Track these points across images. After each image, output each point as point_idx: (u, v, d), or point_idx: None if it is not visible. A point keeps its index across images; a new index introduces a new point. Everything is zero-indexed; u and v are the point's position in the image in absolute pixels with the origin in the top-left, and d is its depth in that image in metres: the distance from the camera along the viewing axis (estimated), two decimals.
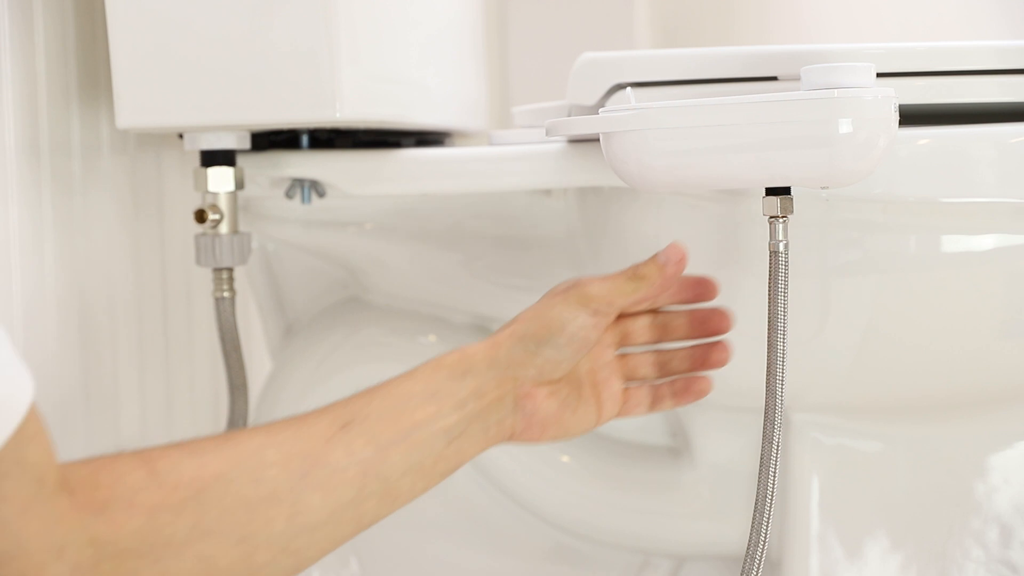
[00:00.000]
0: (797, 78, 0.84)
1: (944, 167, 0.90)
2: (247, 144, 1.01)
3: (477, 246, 1.10)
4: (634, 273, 0.82)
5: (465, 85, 1.23)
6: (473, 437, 0.78)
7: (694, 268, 0.99)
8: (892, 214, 0.92)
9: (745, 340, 0.97)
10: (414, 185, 1.04)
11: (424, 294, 1.12)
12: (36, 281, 0.97)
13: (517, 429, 0.80)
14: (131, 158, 1.09)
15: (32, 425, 0.61)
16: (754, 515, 0.85)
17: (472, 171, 1.04)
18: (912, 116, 0.90)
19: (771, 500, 0.85)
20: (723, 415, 1.07)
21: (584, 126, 0.90)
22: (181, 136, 1.02)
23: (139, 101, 0.96)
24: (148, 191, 1.11)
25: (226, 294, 1.03)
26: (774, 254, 0.85)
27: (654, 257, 0.82)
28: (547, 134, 0.94)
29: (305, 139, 1.07)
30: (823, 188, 0.89)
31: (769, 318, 0.85)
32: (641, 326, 0.85)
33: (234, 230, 1.01)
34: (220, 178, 1.01)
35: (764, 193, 0.85)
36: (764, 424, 0.86)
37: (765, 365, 0.85)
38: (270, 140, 1.06)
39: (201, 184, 1.01)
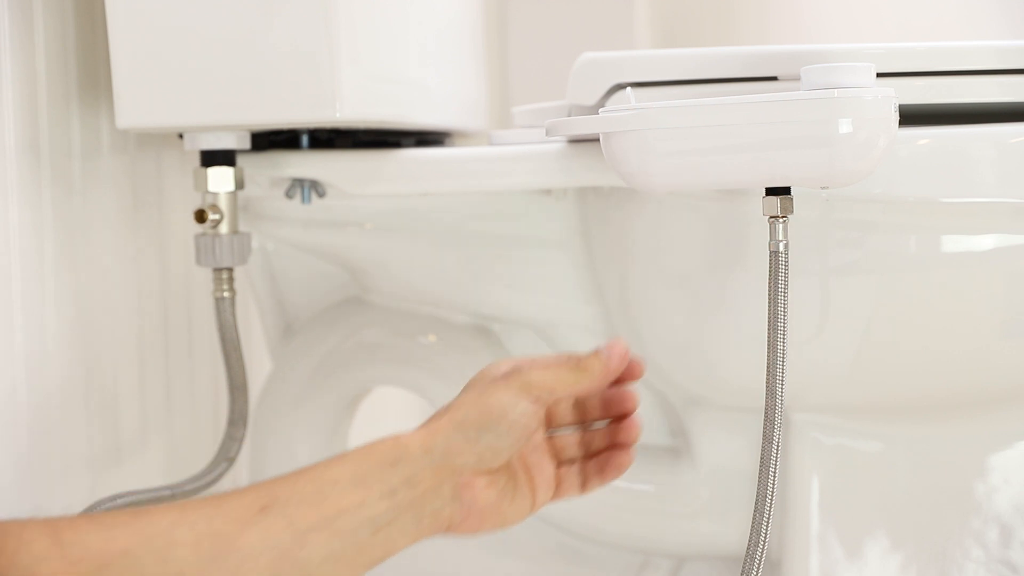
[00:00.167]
0: (797, 78, 0.84)
1: (944, 167, 0.90)
2: (247, 144, 1.01)
3: (477, 246, 1.10)
4: (577, 364, 0.79)
5: (465, 85, 1.23)
6: (404, 527, 0.75)
7: (694, 268, 0.99)
8: (892, 214, 0.92)
9: (745, 340, 0.97)
10: (414, 185, 1.04)
11: (424, 294, 1.12)
12: (36, 281, 0.97)
13: (455, 520, 0.78)
14: (131, 158, 1.09)
15: None
16: (754, 515, 0.85)
17: (472, 171, 1.04)
18: (912, 116, 0.90)
19: (771, 500, 0.85)
20: (723, 415, 1.07)
21: (584, 126, 0.90)
22: (181, 136, 1.02)
23: (139, 101, 0.96)
24: (148, 191, 1.11)
25: (226, 294, 1.03)
26: (774, 254, 0.85)
27: (597, 351, 0.80)
28: (547, 134, 0.94)
29: (305, 139, 1.07)
30: (823, 188, 0.89)
31: (769, 318, 0.85)
32: (564, 408, 0.83)
33: (234, 230, 1.01)
34: (220, 178, 1.01)
35: (764, 193, 0.85)
36: (764, 424, 0.86)
37: (765, 365, 0.85)
38: (270, 140, 1.06)
39: (201, 184, 1.01)
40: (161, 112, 0.96)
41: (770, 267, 0.85)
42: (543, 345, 1.14)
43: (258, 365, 1.26)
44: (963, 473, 1.03)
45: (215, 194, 1.01)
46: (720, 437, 1.08)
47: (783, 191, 0.85)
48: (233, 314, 1.03)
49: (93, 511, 0.96)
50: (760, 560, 0.85)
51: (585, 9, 1.81)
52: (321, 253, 1.13)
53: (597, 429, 0.85)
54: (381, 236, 1.10)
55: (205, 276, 1.18)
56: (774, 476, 0.85)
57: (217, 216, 1.00)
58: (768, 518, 0.85)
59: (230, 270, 1.03)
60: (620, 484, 1.11)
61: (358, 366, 1.13)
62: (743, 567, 0.86)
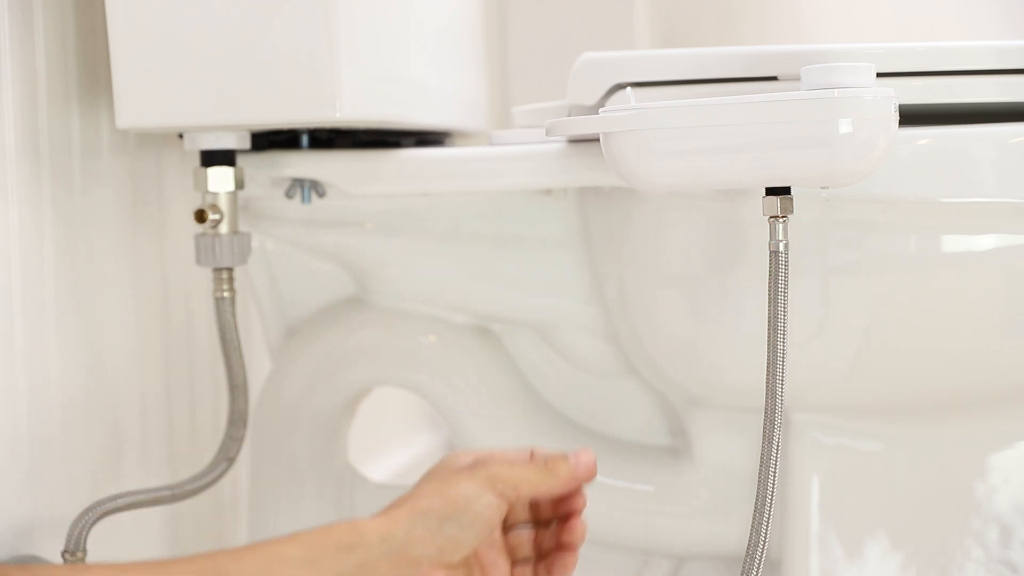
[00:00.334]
0: (797, 78, 0.84)
1: (944, 167, 0.90)
2: (247, 144, 1.01)
3: (477, 246, 1.10)
4: (544, 465, 0.78)
5: (465, 85, 1.23)
6: None
7: (694, 268, 0.99)
8: (892, 214, 0.92)
9: (745, 340, 0.97)
10: (414, 185, 1.04)
11: (424, 294, 1.12)
12: (36, 281, 0.97)
13: None
14: (131, 158, 1.09)
15: None
16: (754, 515, 0.85)
17: (472, 171, 1.04)
18: (912, 116, 0.90)
19: (771, 500, 0.85)
20: (723, 415, 1.07)
21: (584, 126, 0.90)
22: (181, 136, 1.02)
23: (139, 101, 0.96)
24: (148, 191, 1.11)
25: (226, 294, 1.03)
26: (774, 254, 0.85)
27: (566, 455, 0.79)
28: (547, 134, 0.94)
29: (305, 139, 1.07)
30: (823, 188, 0.89)
31: (769, 318, 0.85)
32: (521, 506, 0.81)
33: (234, 230, 1.01)
34: (220, 178, 1.00)
35: (764, 193, 0.85)
36: (764, 424, 0.86)
37: (765, 365, 0.85)
38: (270, 140, 1.06)
39: (201, 184, 1.01)
40: (161, 112, 0.96)
41: (770, 267, 0.85)
42: (543, 345, 1.14)
43: (258, 365, 1.26)
44: (963, 473, 1.03)
45: (215, 194, 1.00)
46: (720, 437, 1.08)
47: (783, 191, 0.85)
48: (233, 314, 1.03)
49: (93, 511, 0.96)
50: (760, 560, 0.85)
51: (585, 9, 1.81)
52: (321, 253, 1.13)
53: (547, 529, 0.82)
54: (381, 236, 1.10)
55: (205, 276, 1.18)
56: (774, 476, 0.85)
57: (217, 216, 1.00)
58: (768, 518, 0.85)
59: (230, 270, 1.03)
60: (620, 484, 1.11)
61: (358, 366, 1.13)
62: (743, 567, 0.86)
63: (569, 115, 1.01)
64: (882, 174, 0.89)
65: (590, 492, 1.11)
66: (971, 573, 1.02)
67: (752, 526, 0.85)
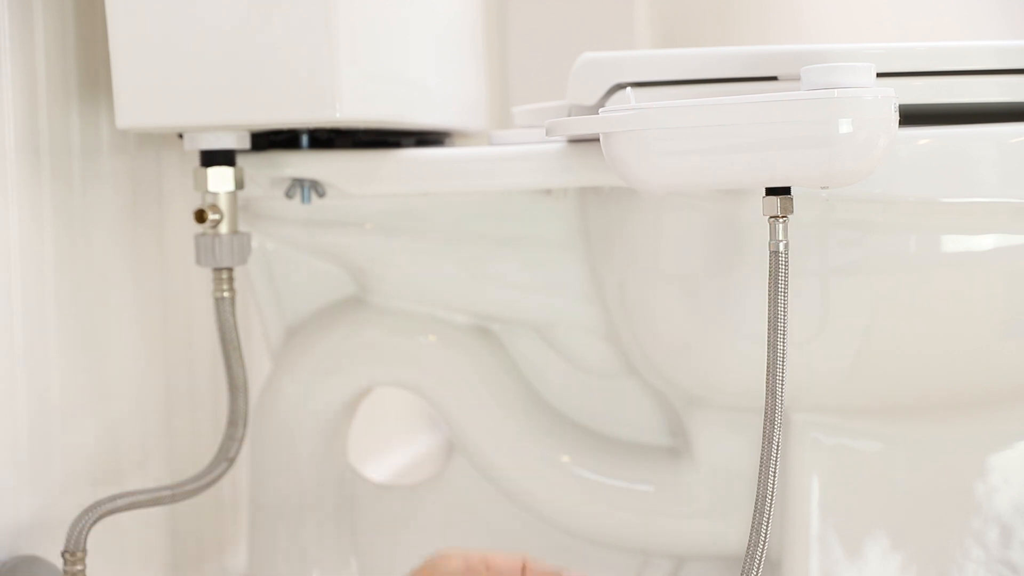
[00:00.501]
0: (797, 78, 0.84)
1: (944, 167, 0.90)
2: (247, 144, 1.01)
3: (477, 246, 1.10)
4: None
5: (465, 85, 1.23)
6: None
7: (694, 268, 0.99)
8: (892, 214, 0.92)
9: (745, 340, 0.97)
10: (414, 185, 1.04)
11: (424, 294, 1.12)
12: (36, 281, 0.97)
13: None
14: (131, 158, 1.09)
15: None
16: (754, 515, 0.85)
17: (472, 171, 1.04)
18: (912, 116, 0.90)
19: (771, 500, 0.85)
20: (723, 415, 1.07)
21: (584, 126, 0.90)
22: (181, 136, 1.02)
23: (139, 101, 0.96)
24: (148, 191, 1.11)
25: (226, 294, 1.03)
26: (774, 254, 0.85)
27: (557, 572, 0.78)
28: (547, 134, 0.94)
29: (305, 139, 1.07)
30: (823, 188, 0.89)
31: (769, 318, 0.85)
32: None
33: (234, 230, 1.01)
34: (220, 178, 1.00)
35: (764, 193, 0.85)
36: (764, 424, 0.86)
37: (765, 365, 0.85)
38: (270, 140, 1.06)
39: (201, 184, 1.01)
40: (161, 112, 0.96)
41: (770, 267, 0.85)
42: (543, 345, 1.14)
43: (258, 365, 1.26)
44: (963, 473, 1.03)
45: (215, 194, 1.00)
46: (720, 437, 1.08)
47: (783, 191, 0.85)
48: (233, 314, 1.03)
49: (93, 511, 0.95)
50: (760, 560, 0.85)
51: (585, 9, 1.81)
52: (321, 253, 1.13)
53: None
54: (381, 236, 1.10)
55: (205, 276, 1.18)
56: (774, 476, 0.85)
57: (217, 216, 1.00)
58: (768, 518, 0.85)
59: (230, 270, 1.03)
60: (620, 484, 1.11)
61: (358, 366, 1.13)
62: (743, 567, 0.86)
63: (569, 115, 1.01)
64: (882, 174, 0.89)
65: (590, 492, 1.11)
66: (971, 573, 1.02)
67: (752, 526, 0.85)
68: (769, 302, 0.85)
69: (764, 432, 0.86)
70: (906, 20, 1.90)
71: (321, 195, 1.06)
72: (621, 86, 0.97)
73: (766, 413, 0.86)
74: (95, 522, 0.96)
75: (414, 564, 1.16)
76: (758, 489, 0.86)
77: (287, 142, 1.06)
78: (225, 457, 1.03)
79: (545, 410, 1.14)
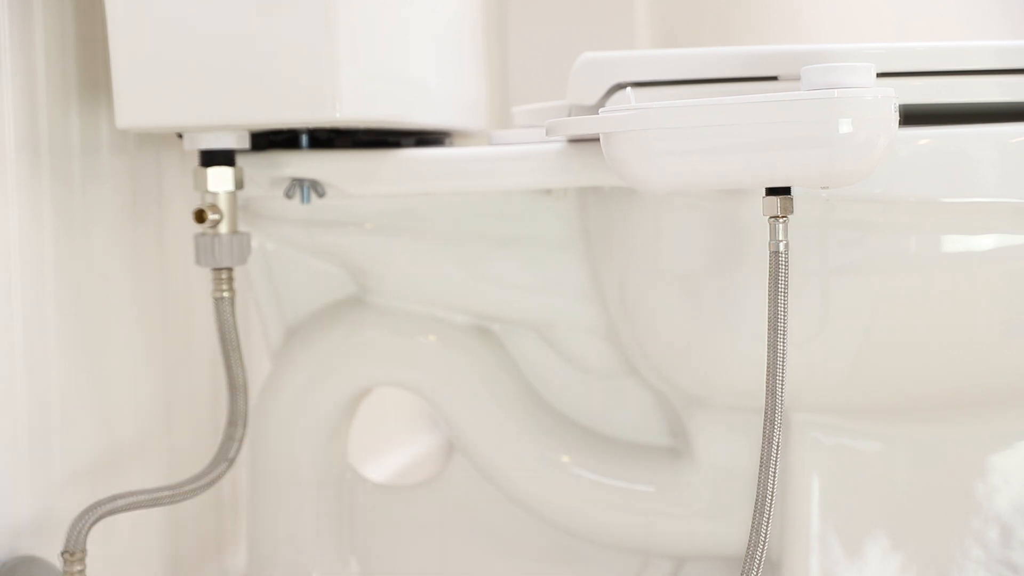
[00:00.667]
0: (797, 78, 0.84)
1: (944, 167, 0.90)
2: (247, 144, 1.01)
3: (477, 246, 1.10)
4: None
5: (465, 85, 1.23)
6: None
7: (695, 268, 0.99)
8: (892, 214, 0.92)
9: (745, 340, 0.97)
10: (414, 185, 1.04)
11: (424, 294, 1.12)
12: (36, 281, 0.97)
13: None
14: (131, 158, 1.09)
15: None
16: (754, 515, 0.85)
17: (472, 171, 1.04)
18: (912, 116, 0.90)
19: (771, 500, 0.85)
20: (723, 415, 1.07)
21: (584, 126, 0.90)
22: (181, 136, 1.02)
23: (139, 101, 0.96)
24: (148, 191, 1.11)
25: (225, 294, 1.03)
26: (774, 254, 0.85)
27: None
28: (547, 134, 0.94)
29: (305, 139, 1.07)
30: (823, 188, 0.89)
31: (769, 318, 0.85)
32: None
33: (233, 230, 1.01)
34: (220, 178, 1.00)
35: (764, 193, 0.85)
36: (764, 424, 0.86)
37: (765, 365, 0.85)
38: (270, 140, 1.05)
39: (201, 184, 1.01)
40: (161, 112, 0.96)
41: (770, 267, 0.85)
42: (543, 345, 1.14)
43: (258, 365, 1.26)
44: (963, 473, 1.03)
45: (215, 194, 1.00)
46: (720, 437, 1.08)
47: (783, 191, 0.85)
48: (232, 314, 1.03)
49: (93, 511, 0.95)
50: (760, 560, 0.85)
51: (585, 9, 1.81)
52: (321, 253, 1.13)
53: None
54: (381, 236, 1.10)
55: (205, 276, 1.18)
56: (774, 476, 0.85)
57: (217, 216, 1.00)
58: (768, 518, 0.85)
59: (229, 270, 1.03)
60: (620, 484, 1.11)
61: (358, 366, 1.13)
62: (743, 568, 0.86)
63: (569, 115, 1.01)
64: (882, 174, 0.89)
65: (590, 492, 1.11)
66: (971, 573, 1.02)
67: (752, 526, 0.85)
68: (769, 302, 0.85)
69: (764, 432, 0.86)
70: (906, 20, 1.90)
71: (321, 195, 1.06)
72: (621, 86, 0.97)
73: (766, 413, 0.86)
74: (95, 522, 0.96)
75: (414, 564, 1.16)
76: (758, 489, 0.86)
77: (287, 142, 1.06)
78: (225, 457, 1.03)
79: (545, 410, 1.14)
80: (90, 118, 1.03)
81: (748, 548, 0.86)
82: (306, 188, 1.06)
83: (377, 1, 1.01)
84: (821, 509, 1.03)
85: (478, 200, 1.09)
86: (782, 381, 0.85)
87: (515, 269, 1.10)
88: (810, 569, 1.02)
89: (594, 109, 0.97)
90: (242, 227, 1.08)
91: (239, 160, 1.02)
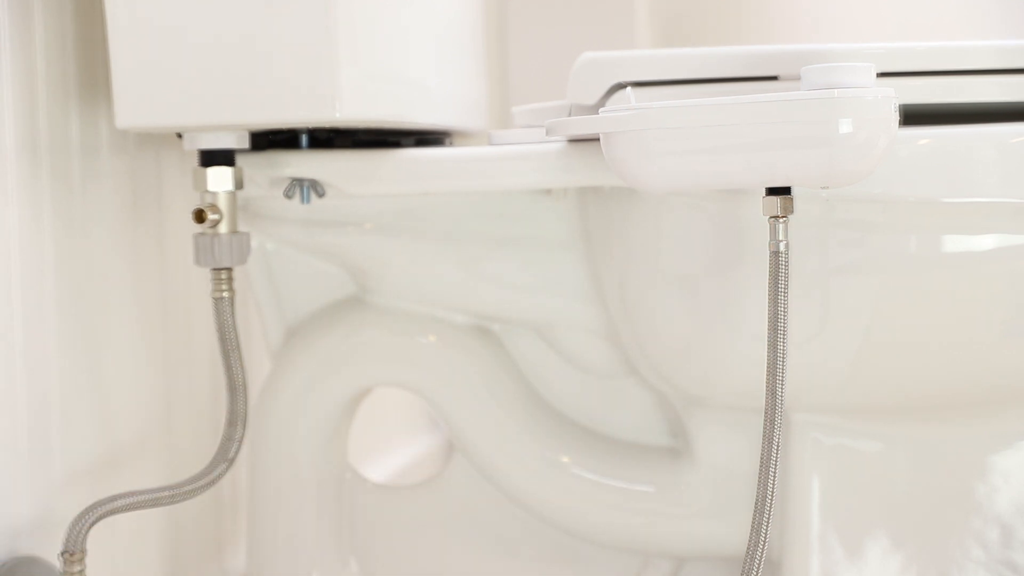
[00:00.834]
0: (798, 78, 0.84)
1: (945, 167, 0.90)
2: (246, 144, 1.01)
3: (477, 246, 1.10)
4: None
5: (465, 85, 1.23)
6: None
7: (695, 268, 0.99)
8: (893, 214, 0.92)
9: (745, 340, 0.97)
10: (414, 185, 1.04)
11: (424, 294, 1.12)
12: (36, 281, 0.97)
13: None
14: (130, 158, 1.09)
15: None
16: (754, 515, 0.85)
17: (472, 171, 1.04)
18: (912, 116, 0.90)
19: (771, 500, 0.85)
20: (723, 415, 1.07)
21: (584, 126, 0.90)
22: (180, 136, 1.02)
23: (138, 101, 0.96)
24: (147, 190, 1.11)
25: (225, 294, 1.03)
26: (774, 254, 0.85)
27: None
28: (547, 134, 0.94)
29: (304, 139, 1.07)
30: (823, 188, 0.89)
31: (769, 318, 0.85)
32: None
33: (233, 230, 1.01)
34: (219, 178, 1.00)
35: (765, 193, 0.85)
36: (764, 424, 0.86)
37: (765, 365, 0.85)
38: (269, 140, 1.05)
39: (200, 184, 1.00)
40: (160, 112, 0.96)
41: (770, 267, 0.85)
42: (543, 345, 1.14)
43: (258, 365, 1.26)
44: (964, 473, 1.03)
45: (214, 194, 1.00)
46: (720, 437, 1.08)
47: (784, 191, 0.85)
48: (232, 314, 1.03)
49: (92, 512, 0.95)
50: (760, 560, 0.85)
51: (585, 9, 1.81)
52: (321, 253, 1.13)
53: None
54: (381, 236, 1.10)
55: (205, 276, 1.18)
56: (774, 476, 0.85)
57: (216, 216, 1.00)
58: (768, 518, 0.85)
59: (229, 270, 1.02)
60: (620, 484, 1.11)
61: (358, 366, 1.13)
62: (743, 567, 0.86)
63: (569, 115, 1.01)
64: (883, 174, 0.89)
65: (590, 492, 1.11)
66: (971, 573, 1.02)
67: (752, 526, 0.85)
68: (769, 302, 0.85)
69: (764, 432, 0.86)
70: (906, 20, 1.90)
71: (320, 195, 1.06)
72: (621, 86, 0.97)
73: (766, 413, 0.86)
74: (94, 523, 0.96)
75: (413, 564, 1.16)
76: (758, 489, 0.86)
77: (287, 142, 1.06)
78: (224, 458, 1.03)
79: (545, 410, 1.14)
80: (90, 118, 1.03)
81: (748, 548, 0.86)
82: (306, 188, 1.06)
83: (377, 1, 1.01)
84: (821, 509, 1.03)
85: (478, 200, 1.09)
86: (782, 381, 0.85)
87: (515, 269, 1.10)
88: (810, 569, 1.02)
89: (594, 109, 0.97)
90: (242, 227, 1.08)
91: (239, 160, 1.02)
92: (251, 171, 1.05)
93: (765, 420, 0.86)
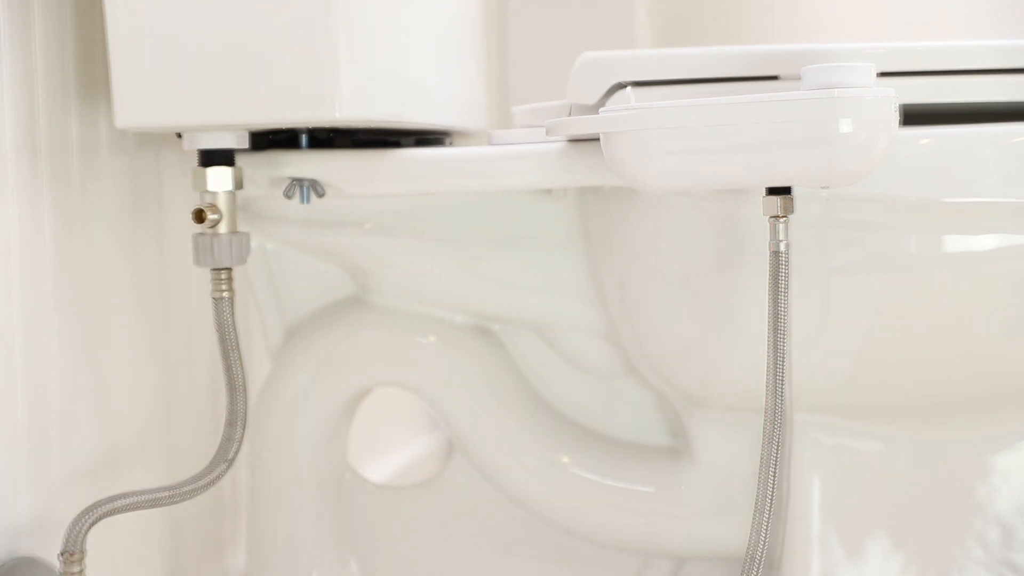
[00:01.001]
0: (798, 78, 0.84)
1: (945, 167, 0.90)
2: (246, 144, 1.01)
3: (477, 246, 1.10)
4: None
5: (465, 85, 1.23)
6: None
7: (695, 268, 0.99)
8: (893, 214, 0.92)
9: (745, 340, 0.97)
10: (413, 185, 1.04)
11: (424, 294, 1.12)
12: (35, 281, 0.96)
13: None
14: (130, 157, 1.09)
15: None
16: (754, 515, 0.85)
17: (472, 171, 1.03)
18: (913, 116, 0.90)
19: (771, 500, 0.85)
20: (723, 415, 1.07)
21: (584, 126, 0.90)
22: (180, 136, 1.02)
23: (138, 101, 0.95)
24: (147, 190, 1.11)
25: (225, 294, 1.02)
26: (775, 254, 0.84)
27: None
28: (547, 134, 0.94)
29: (304, 138, 1.06)
30: (823, 188, 0.89)
31: (770, 318, 0.85)
32: None
33: (233, 230, 1.01)
34: (219, 178, 1.00)
35: (765, 193, 0.85)
36: (765, 424, 0.86)
37: (765, 365, 0.85)
38: (269, 139, 1.05)
39: (200, 184, 1.00)
40: (160, 112, 0.96)
41: (771, 267, 0.85)
42: (543, 345, 1.14)
43: (257, 365, 1.26)
44: (964, 473, 1.03)
45: (214, 194, 1.00)
46: (721, 437, 1.07)
47: (784, 191, 0.85)
48: (232, 314, 1.03)
49: (92, 512, 0.95)
50: (760, 560, 0.85)
51: (585, 9, 1.81)
52: (320, 253, 1.13)
53: None
54: (381, 236, 1.10)
55: (205, 276, 1.18)
56: (774, 476, 0.85)
57: (216, 216, 1.00)
58: (768, 518, 0.85)
59: (229, 270, 1.02)
60: (621, 485, 1.11)
61: (358, 366, 1.13)
62: (743, 567, 0.85)
63: (569, 115, 1.01)
64: (883, 174, 0.89)
65: (590, 493, 1.11)
66: (972, 574, 1.02)
67: (752, 526, 0.85)
68: (770, 302, 0.85)
69: (765, 432, 0.86)
70: (906, 20, 1.90)
71: (320, 195, 1.06)
72: (621, 85, 0.97)
73: (767, 413, 0.86)
74: (94, 523, 0.95)
75: (413, 565, 1.16)
76: (758, 489, 0.85)
77: (286, 141, 1.06)
78: (224, 458, 1.03)
79: (545, 410, 1.14)
80: (89, 118, 1.03)
81: (748, 548, 0.85)
82: (306, 188, 1.06)
83: (377, 1, 1.01)
84: (821, 509, 1.03)
85: (478, 200, 1.09)
86: (783, 381, 0.85)
87: (515, 269, 1.10)
88: (811, 569, 1.02)
89: (594, 109, 0.97)
90: (242, 227, 1.08)
91: (238, 160, 1.02)
92: (251, 171, 1.05)
93: (766, 420, 0.86)
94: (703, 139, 0.84)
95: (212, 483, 1.02)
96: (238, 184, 1.01)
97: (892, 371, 0.98)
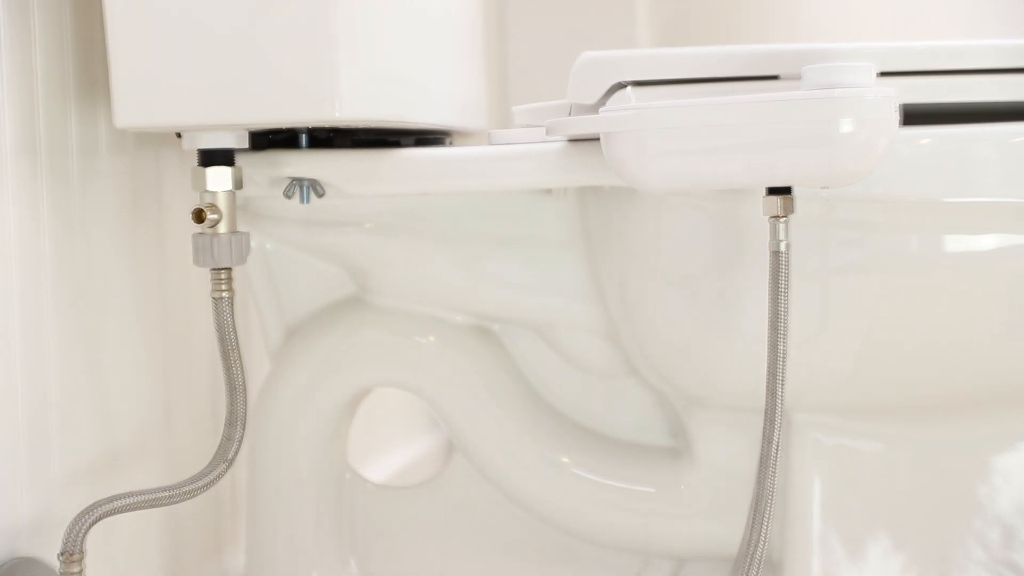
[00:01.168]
0: (798, 77, 0.84)
1: (945, 167, 0.90)
2: (246, 143, 1.00)
3: (477, 246, 1.10)
4: None
5: (465, 85, 1.23)
6: None
7: (695, 268, 0.99)
8: (893, 214, 0.92)
9: (746, 340, 0.97)
10: (413, 185, 1.04)
11: (424, 294, 1.12)
12: (35, 281, 0.96)
13: None
14: (130, 157, 1.09)
15: None
16: (754, 515, 0.85)
17: (472, 171, 1.03)
18: (913, 116, 0.90)
19: (771, 500, 0.85)
20: (723, 415, 1.07)
21: (584, 126, 0.90)
22: (180, 135, 1.02)
23: (137, 101, 0.95)
24: (147, 190, 1.11)
25: (224, 294, 1.02)
26: (775, 254, 0.84)
27: None
28: (547, 133, 0.94)
29: (304, 138, 1.06)
30: (824, 188, 0.89)
31: (770, 318, 0.85)
32: None
33: (233, 230, 1.01)
34: (219, 177, 1.00)
35: (765, 193, 0.85)
36: (764, 424, 0.86)
37: (765, 365, 0.85)
38: (269, 139, 1.05)
39: (199, 183, 1.00)
40: (159, 112, 0.96)
41: (771, 267, 0.85)
42: (543, 345, 1.14)
43: (257, 365, 1.25)
44: (965, 474, 1.03)
45: (213, 193, 1.00)
46: (720, 437, 1.07)
47: (784, 191, 0.85)
48: (232, 314, 1.03)
49: (91, 512, 0.95)
50: (760, 560, 0.85)
51: (585, 9, 1.81)
52: (320, 253, 1.13)
53: None
54: (381, 236, 1.10)
55: (205, 276, 1.18)
56: (774, 476, 0.85)
57: (216, 216, 1.00)
58: (768, 518, 0.85)
59: (229, 270, 1.02)
60: (621, 485, 1.11)
61: (358, 366, 1.13)
62: (743, 567, 0.85)
63: (569, 114, 1.01)
64: (883, 174, 0.89)
65: (590, 493, 1.11)
66: (972, 574, 1.02)
67: (752, 526, 0.85)
68: (770, 302, 0.85)
69: (764, 432, 0.86)
70: (907, 19, 1.90)
71: (320, 195, 1.06)
72: (622, 85, 0.97)
73: (766, 413, 0.86)
74: (93, 523, 0.95)
75: (413, 565, 1.15)
76: (758, 489, 0.85)
77: (286, 141, 1.06)
78: (224, 458, 1.03)
79: (545, 410, 1.14)
80: (88, 118, 1.03)
81: (748, 548, 0.85)
82: (305, 188, 1.06)
83: (377, 1, 1.01)
84: (822, 510, 1.03)
85: (478, 200, 1.09)
86: (783, 381, 0.85)
87: (515, 269, 1.10)
88: (811, 570, 1.02)
89: (594, 108, 0.97)
90: (241, 227, 1.08)
91: (238, 159, 1.02)
92: (251, 171, 1.05)
93: (765, 420, 0.86)
94: (703, 139, 0.83)
95: (212, 483, 1.02)
96: (238, 184, 1.01)
97: (892, 371, 0.98)
